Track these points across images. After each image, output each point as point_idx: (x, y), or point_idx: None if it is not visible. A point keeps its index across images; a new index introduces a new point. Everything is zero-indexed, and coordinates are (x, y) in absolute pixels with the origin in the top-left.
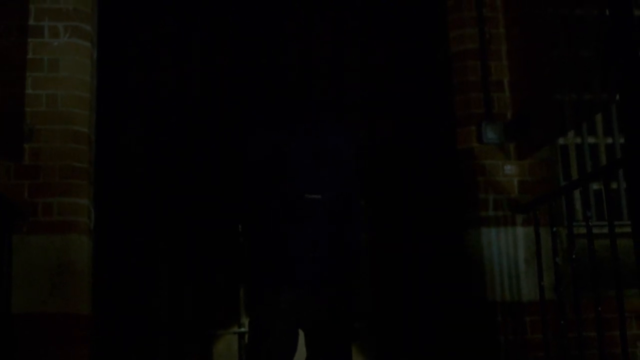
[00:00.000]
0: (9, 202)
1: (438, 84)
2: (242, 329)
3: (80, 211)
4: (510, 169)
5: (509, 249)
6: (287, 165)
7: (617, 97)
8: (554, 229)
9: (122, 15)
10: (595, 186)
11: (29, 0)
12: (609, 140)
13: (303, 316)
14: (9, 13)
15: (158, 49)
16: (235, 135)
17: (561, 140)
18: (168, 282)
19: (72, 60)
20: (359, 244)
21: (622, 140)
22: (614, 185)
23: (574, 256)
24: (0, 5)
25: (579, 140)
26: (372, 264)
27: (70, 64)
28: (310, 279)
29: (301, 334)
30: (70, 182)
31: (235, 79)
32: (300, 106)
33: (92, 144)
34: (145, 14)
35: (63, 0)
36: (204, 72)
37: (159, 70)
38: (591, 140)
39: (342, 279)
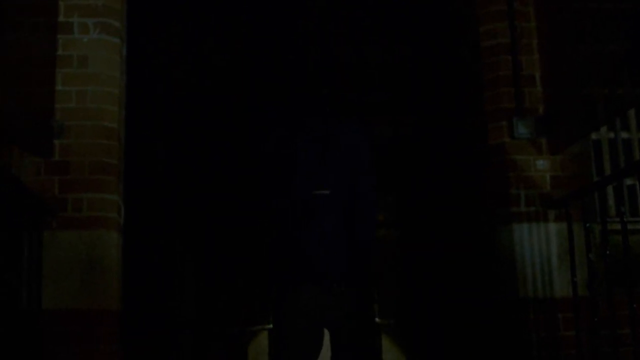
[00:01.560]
0: (39, 198)
1: (463, 80)
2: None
3: (109, 207)
4: (542, 164)
5: (541, 245)
6: (294, 162)
7: None
8: (587, 224)
9: (139, 12)
10: (628, 181)
11: None
12: None
13: (324, 314)
14: (38, 10)
15: (174, 48)
16: (252, 134)
17: (594, 135)
18: (192, 280)
19: (102, 57)
20: (372, 241)
21: None
22: None
23: (607, 252)
24: (30, 2)
25: (612, 135)
26: (398, 261)
27: (99, 60)
28: (326, 277)
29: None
30: (100, 177)
31: (253, 79)
32: (319, 105)
33: (121, 140)
34: (161, 12)
35: None
36: (221, 72)
37: (176, 68)
38: (624, 135)
39: (359, 276)
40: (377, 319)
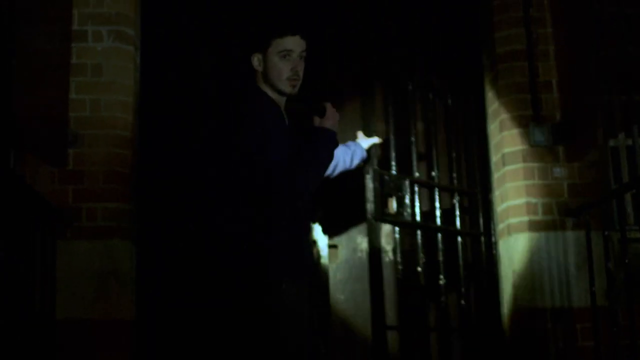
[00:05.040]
0: (54, 208)
1: (480, 86)
2: None
3: (123, 216)
4: (559, 171)
5: (558, 253)
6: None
7: None
8: (606, 233)
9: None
10: None
11: (73, 5)
12: None
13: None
14: (52, 19)
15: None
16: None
17: (612, 142)
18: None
19: (115, 65)
20: None
21: None
22: None
23: (626, 261)
24: (44, 11)
25: (630, 142)
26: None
27: (113, 68)
28: (308, 269)
29: None
30: (114, 187)
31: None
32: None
33: (135, 149)
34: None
35: (106, 4)
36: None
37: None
38: None
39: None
40: None
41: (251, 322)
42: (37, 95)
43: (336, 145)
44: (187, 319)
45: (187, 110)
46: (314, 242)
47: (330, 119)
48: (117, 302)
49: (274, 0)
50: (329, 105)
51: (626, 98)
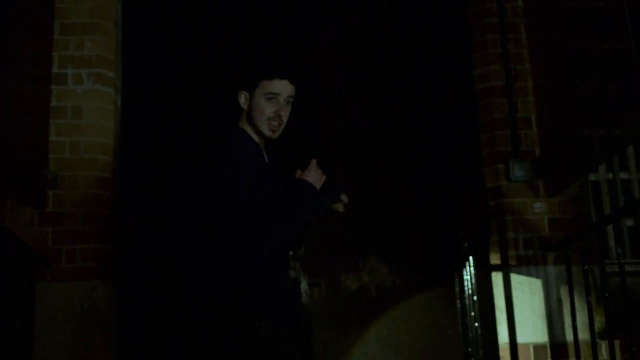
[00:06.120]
0: (33, 251)
1: (461, 124)
2: None
3: (104, 257)
4: (539, 206)
5: (540, 288)
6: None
7: None
8: (585, 267)
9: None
10: (629, 222)
11: (52, 48)
12: None
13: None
14: (33, 62)
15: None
16: None
17: (592, 176)
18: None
19: (96, 107)
20: None
21: None
22: None
23: (606, 295)
24: (25, 55)
25: (610, 175)
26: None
27: (93, 110)
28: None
29: None
30: (94, 228)
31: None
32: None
33: (115, 190)
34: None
35: (87, 47)
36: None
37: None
38: (623, 175)
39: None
40: None
41: None
42: (16, 137)
43: (313, 200)
44: None
45: (169, 150)
46: (297, 281)
47: (312, 174)
48: (98, 345)
49: (261, 44)
50: (313, 162)
51: (605, 131)
